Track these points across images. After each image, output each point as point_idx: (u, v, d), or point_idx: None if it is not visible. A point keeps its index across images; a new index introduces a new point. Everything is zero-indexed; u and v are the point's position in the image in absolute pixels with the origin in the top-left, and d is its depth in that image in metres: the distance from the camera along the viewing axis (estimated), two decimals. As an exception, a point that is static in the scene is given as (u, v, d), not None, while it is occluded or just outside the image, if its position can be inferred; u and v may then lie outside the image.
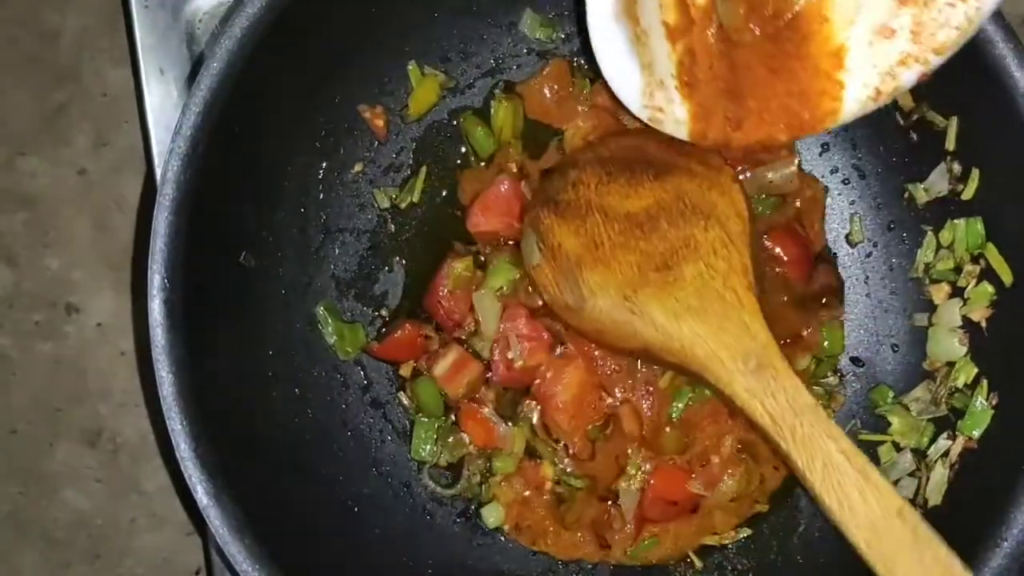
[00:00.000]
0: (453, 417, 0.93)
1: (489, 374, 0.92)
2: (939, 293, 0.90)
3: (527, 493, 0.92)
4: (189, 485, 0.72)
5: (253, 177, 0.83)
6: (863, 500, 0.75)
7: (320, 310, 0.90)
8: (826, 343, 0.93)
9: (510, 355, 0.89)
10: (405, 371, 0.93)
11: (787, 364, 0.80)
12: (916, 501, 0.86)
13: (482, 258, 0.93)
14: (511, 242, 0.92)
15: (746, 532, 0.93)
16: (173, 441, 0.72)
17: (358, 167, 0.93)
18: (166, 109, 0.98)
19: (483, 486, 0.92)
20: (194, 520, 1.16)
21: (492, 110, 0.94)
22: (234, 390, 0.80)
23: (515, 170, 0.93)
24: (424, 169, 0.94)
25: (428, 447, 0.92)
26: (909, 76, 0.74)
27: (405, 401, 0.93)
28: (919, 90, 0.86)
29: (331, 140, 0.90)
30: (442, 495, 0.92)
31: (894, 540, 0.73)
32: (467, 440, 0.92)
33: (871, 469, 0.76)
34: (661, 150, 0.88)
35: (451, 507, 0.93)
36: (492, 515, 0.92)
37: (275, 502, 0.79)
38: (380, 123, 0.92)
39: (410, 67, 0.92)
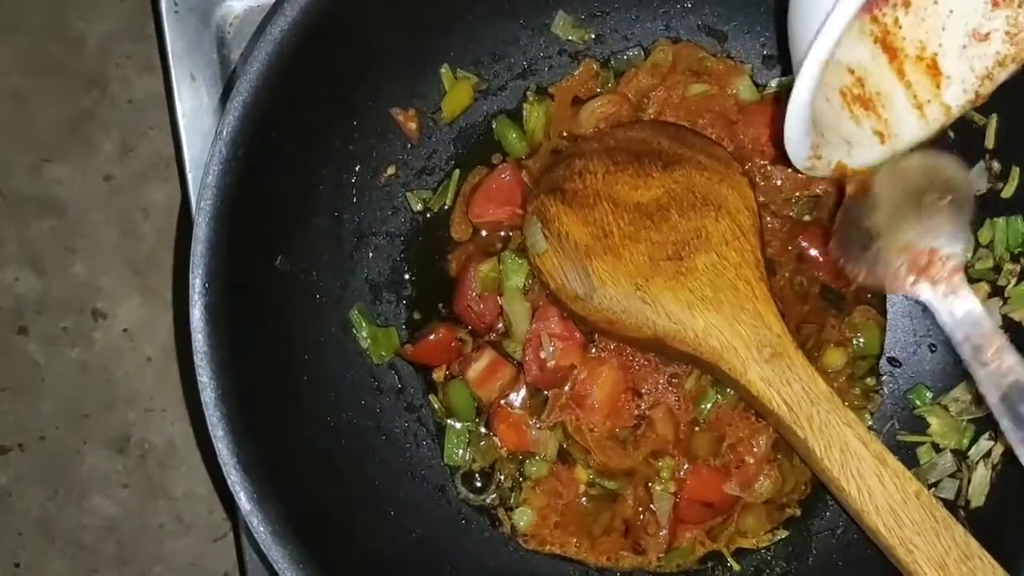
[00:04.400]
0: (484, 421, 0.92)
1: (522, 376, 0.91)
2: (978, 293, 0.87)
3: (560, 499, 0.91)
4: (232, 491, 0.72)
5: (289, 181, 0.83)
6: (882, 485, 0.75)
7: (354, 314, 0.90)
8: (862, 342, 0.92)
9: (542, 355, 0.89)
10: (438, 375, 0.93)
11: (801, 353, 0.80)
12: (958, 503, 0.85)
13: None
14: (512, 232, 0.92)
15: (783, 534, 0.92)
16: (216, 447, 0.71)
17: (391, 170, 0.92)
18: (198, 115, 0.98)
19: (514, 492, 0.91)
20: (232, 521, 1.16)
21: (524, 113, 0.93)
22: (272, 395, 0.80)
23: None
24: (457, 172, 0.94)
25: (460, 451, 0.91)
26: (1005, 75, 0.75)
27: (436, 405, 0.93)
28: (958, 88, 0.86)
29: (365, 143, 0.90)
30: (473, 502, 0.92)
31: (913, 523, 0.74)
32: (499, 444, 0.92)
33: (888, 454, 0.77)
34: (669, 142, 0.88)
35: (485, 512, 0.92)
36: (523, 520, 0.91)
37: (314, 507, 0.79)
38: (413, 126, 0.91)
39: (443, 70, 0.92)
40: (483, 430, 0.92)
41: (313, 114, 0.82)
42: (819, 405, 0.78)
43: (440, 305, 0.93)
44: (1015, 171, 0.84)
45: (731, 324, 0.80)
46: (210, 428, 0.71)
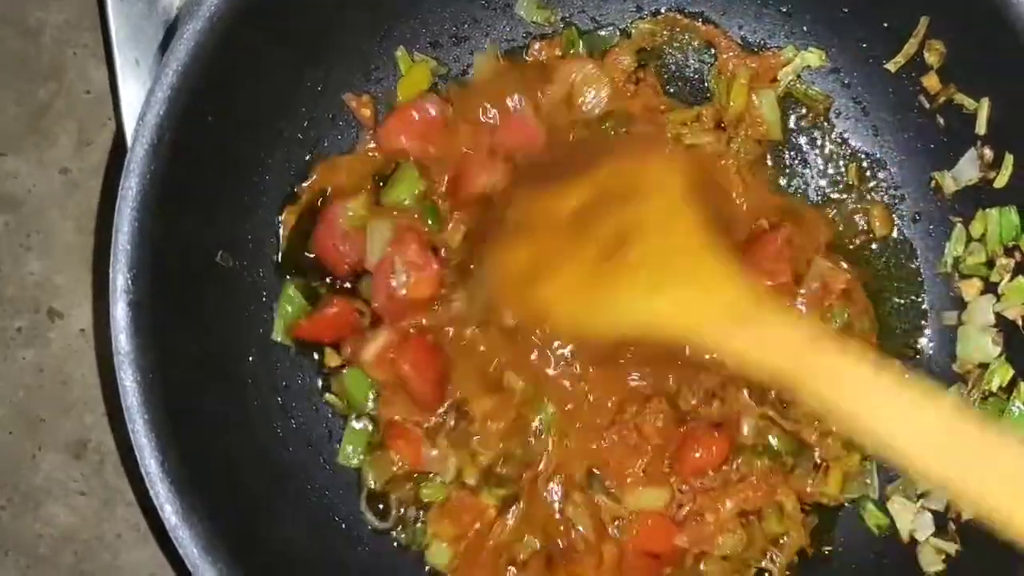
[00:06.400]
0: (380, 438, 0.85)
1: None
2: (970, 289, 0.85)
3: (469, 527, 0.84)
4: (155, 504, 0.66)
5: (229, 171, 0.78)
6: (910, 416, 0.63)
7: (290, 288, 0.83)
8: None
9: (394, 283, 0.82)
10: (332, 361, 0.85)
11: (776, 303, 0.72)
12: (948, 515, 0.81)
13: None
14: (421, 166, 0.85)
15: None
16: (138, 456, 0.67)
17: (344, 160, 0.88)
18: (142, 102, 0.92)
19: (419, 523, 0.85)
20: (162, 541, 1.12)
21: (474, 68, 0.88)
22: (208, 400, 0.76)
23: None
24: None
25: (354, 448, 0.84)
26: None
27: (334, 401, 0.85)
28: (946, 70, 0.82)
29: (314, 131, 0.85)
30: (378, 527, 0.85)
31: (958, 448, 0.61)
32: (395, 459, 0.84)
33: (908, 379, 0.64)
34: (581, 152, 0.84)
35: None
36: (437, 556, 0.84)
37: (251, 521, 0.75)
38: (367, 112, 0.87)
39: (399, 52, 0.87)
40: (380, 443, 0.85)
41: (253, 98, 0.78)
42: (810, 355, 0.66)
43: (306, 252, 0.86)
44: (1009, 158, 0.80)
45: (691, 300, 0.73)
46: (131, 435, 0.66)
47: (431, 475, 0.84)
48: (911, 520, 0.82)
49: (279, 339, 0.83)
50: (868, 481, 0.85)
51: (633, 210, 0.77)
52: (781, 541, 0.85)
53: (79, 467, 1.18)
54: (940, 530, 0.81)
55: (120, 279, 0.67)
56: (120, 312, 0.67)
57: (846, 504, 0.86)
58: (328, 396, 0.86)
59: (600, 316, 0.76)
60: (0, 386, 1.19)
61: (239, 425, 0.78)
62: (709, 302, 0.73)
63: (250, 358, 0.81)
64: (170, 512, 0.66)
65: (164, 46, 0.91)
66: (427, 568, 0.85)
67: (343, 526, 0.83)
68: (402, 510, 0.84)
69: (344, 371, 0.85)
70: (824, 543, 0.86)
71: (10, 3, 1.22)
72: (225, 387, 0.78)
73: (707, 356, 0.76)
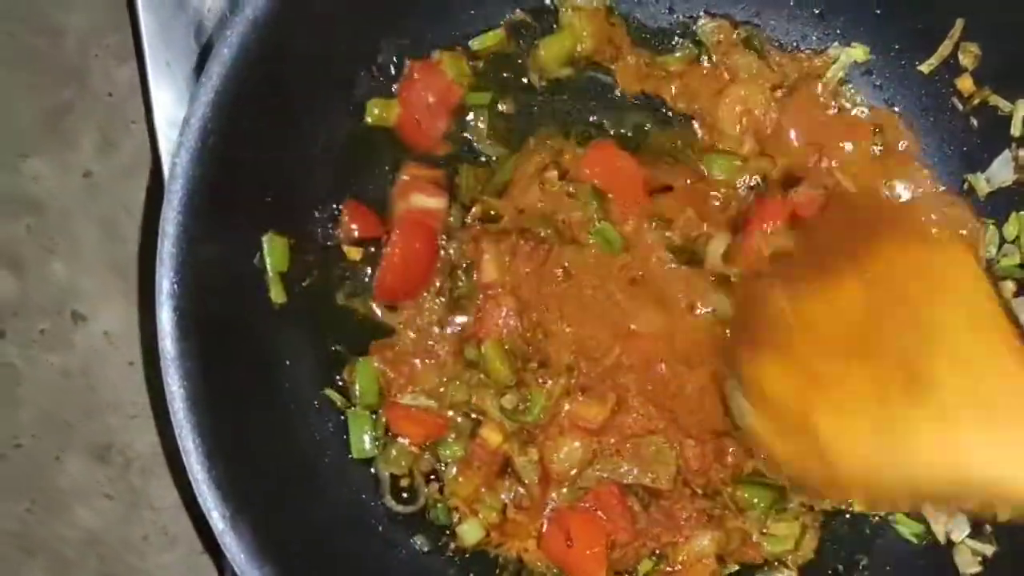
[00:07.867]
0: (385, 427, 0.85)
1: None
2: (1004, 291, 0.85)
3: (480, 471, 0.83)
4: (203, 508, 0.67)
5: (269, 175, 0.78)
6: None
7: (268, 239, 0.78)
8: None
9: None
10: (353, 254, 0.84)
11: None
12: (984, 517, 0.80)
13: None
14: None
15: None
16: (185, 461, 0.67)
17: (384, 164, 0.87)
18: (173, 105, 0.92)
19: (444, 500, 0.85)
20: (206, 543, 1.11)
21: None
22: (251, 405, 0.75)
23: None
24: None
25: (367, 438, 0.83)
26: None
27: (336, 398, 0.84)
28: (981, 72, 0.82)
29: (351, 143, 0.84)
30: (403, 512, 0.84)
31: None
32: (407, 443, 0.84)
33: None
34: (848, 228, 0.71)
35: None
36: (470, 532, 0.84)
37: (293, 525, 0.74)
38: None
39: (435, 57, 0.86)
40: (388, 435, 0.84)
41: (294, 102, 0.78)
42: None
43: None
44: (1044, 161, 0.79)
45: (1009, 439, 0.57)
46: (179, 440, 0.66)
47: (445, 438, 0.84)
48: (946, 522, 0.82)
49: (278, 300, 0.79)
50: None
51: (927, 311, 0.61)
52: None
53: (104, 470, 1.18)
54: (976, 532, 0.81)
55: (166, 283, 0.67)
56: (166, 316, 0.67)
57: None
58: (328, 391, 0.83)
59: (893, 465, 0.61)
60: (24, 389, 1.18)
61: (279, 431, 0.78)
62: None
63: (287, 362, 0.81)
64: (217, 518, 0.66)
65: (203, 54, 0.91)
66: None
67: (379, 528, 0.83)
68: (426, 487, 0.84)
69: (353, 363, 0.84)
70: (856, 553, 0.86)
71: (32, 5, 1.22)
72: (265, 391, 0.78)
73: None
